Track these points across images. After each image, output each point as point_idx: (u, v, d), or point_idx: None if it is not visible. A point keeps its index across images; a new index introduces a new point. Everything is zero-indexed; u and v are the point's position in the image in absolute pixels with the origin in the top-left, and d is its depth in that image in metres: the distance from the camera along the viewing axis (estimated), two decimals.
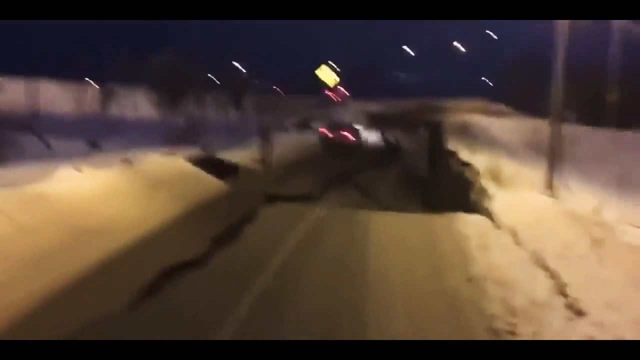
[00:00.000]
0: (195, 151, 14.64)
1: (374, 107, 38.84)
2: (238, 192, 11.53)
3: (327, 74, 43.16)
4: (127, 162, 11.26)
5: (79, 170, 9.36)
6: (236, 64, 42.06)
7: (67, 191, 8.41)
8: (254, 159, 16.14)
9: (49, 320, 5.10)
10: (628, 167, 14.11)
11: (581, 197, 10.72)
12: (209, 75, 39.12)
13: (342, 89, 51.27)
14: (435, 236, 8.05)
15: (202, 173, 12.50)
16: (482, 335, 4.19)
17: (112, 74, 37.73)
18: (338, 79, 48.22)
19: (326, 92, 48.72)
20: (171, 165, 12.22)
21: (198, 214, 9.47)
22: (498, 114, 29.92)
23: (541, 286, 5.33)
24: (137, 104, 39.62)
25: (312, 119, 31.86)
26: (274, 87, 46.84)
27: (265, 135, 16.19)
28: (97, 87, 39.17)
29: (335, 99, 48.82)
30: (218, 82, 40.67)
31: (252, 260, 6.97)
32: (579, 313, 4.54)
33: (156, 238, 7.90)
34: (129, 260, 7.02)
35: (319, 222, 9.48)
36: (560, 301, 4.88)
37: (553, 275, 5.52)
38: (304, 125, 30.04)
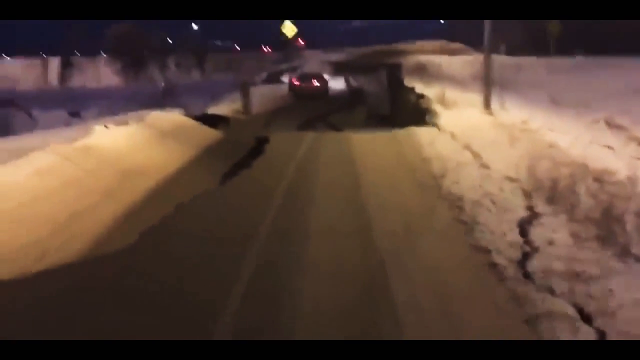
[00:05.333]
0: (178, 111, 17.20)
1: (336, 56, 41.90)
2: (236, 136, 14.46)
3: (289, 28, 45.74)
4: (138, 119, 14.02)
5: (107, 127, 12.11)
6: (194, 25, 44.05)
7: (107, 143, 11.11)
8: (237, 111, 18.92)
9: (141, 218, 7.63)
10: (559, 89, 17.50)
11: (514, 113, 13.92)
12: (168, 39, 41.15)
13: (300, 40, 53.99)
14: (398, 140, 11.74)
15: (199, 125, 15.31)
16: (426, 177, 7.77)
17: (71, 47, 39.34)
18: (297, 30, 50.84)
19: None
20: (173, 119, 14.93)
21: (211, 155, 12.36)
22: (454, 52, 33.15)
23: (466, 158, 8.78)
24: (99, 74, 41.25)
25: (281, 73, 34.83)
26: (234, 46, 49.09)
27: (244, 89, 19.06)
28: (58, 60, 40.71)
29: (299, 47, 51.76)
30: (178, 46, 42.69)
31: (274, 167, 10.14)
32: (486, 167, 7.91)
33: (190, 170, 10.73)
34: (171, 189, 9.84)
35: (313, 141, 12.92)
36: (476, 163, 8.27)
37: (475, 154, 8.90)
38: (273, 80, 32.89)
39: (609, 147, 8.83)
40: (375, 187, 7.97)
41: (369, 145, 11.49)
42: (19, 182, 7.92)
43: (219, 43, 45.47)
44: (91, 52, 40.78)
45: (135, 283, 4.99)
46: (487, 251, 5.11)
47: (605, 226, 5.37)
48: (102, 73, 40.82)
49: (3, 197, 7.24)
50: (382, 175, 8.67)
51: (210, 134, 14.71)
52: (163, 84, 20.94)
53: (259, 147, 12.91)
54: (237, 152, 12.61)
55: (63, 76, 40.05)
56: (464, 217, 6.18)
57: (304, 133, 14.70)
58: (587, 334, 3.62)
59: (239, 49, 50.75)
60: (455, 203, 6.73)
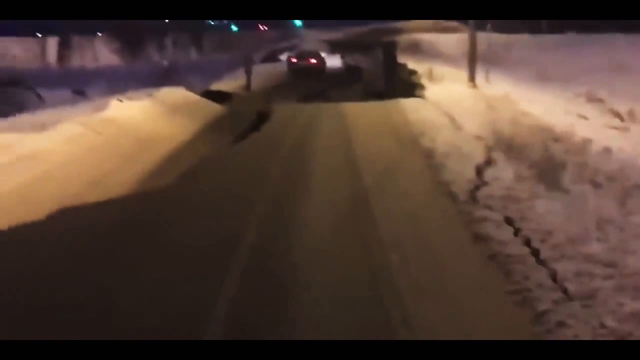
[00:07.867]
0: (181, 89, 18.59)
1: (335, 35, 43.52)
2: (240, 110, 16.05)
3: None
4: (149, 94, 15.54)
5: (121, 101, 13.61)
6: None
7: (123, 115, 12.61)
8: (238, 88, 20.47)
9: (162, 173, 9.33)
10: (546, 65, 18.98)
11: (498, 86, 15.44)
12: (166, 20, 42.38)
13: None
14: (386, 108, 13.69)
15: (205, 100, 16.86)
16: (407, 135, 9.53)
17: (68, 26, 40.49)
18: None
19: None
20: (181, 95, 16.49)
21: (218, 125, 13.92)
22: (449, 30, 34.60)
23: (444, 122, 10.48)
24: (97, 53, 42.53)
25: (279, 51, 36.37)
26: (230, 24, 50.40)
27: (247, 67, 20.64)
28: (55, 40, 41.94)
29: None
30: (174, 25, 43.91)
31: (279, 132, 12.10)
32: (459, 128, 9.58)
33: (201, 138, 12.29)
34: (186, 153, 11.40)
35: (311, 111, 14.93)
36: (452, 126, 9.94)
37: (452, 119, 10.55)
38: (271, 58, 34.38)
39: (583, 117, 10.35)
40: (363, 144, 9.82)
41: (361, 113, 13.32)
42: (52, 149, 9.48)
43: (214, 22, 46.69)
44: (88, 32, 41.99)
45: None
46: (447, 184, 6.81)
47: (546, 170, 6.95)
48: (100, 53, 42.16)
49: (41, 160, 8.85)
50: (370, 135, 10.51)
51: (216, 108, 16.26)
52: (166, 63, 22.38)
53: (262, 118, 14.48)
54: (242, 122, 14.17)
55: (61, 56, 41.40)
56: (434, 163, 7.96)
57: (303, 105, 16.60)
58: (506, 229, 5.23)
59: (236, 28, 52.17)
60: (428, 153, 8.50)
